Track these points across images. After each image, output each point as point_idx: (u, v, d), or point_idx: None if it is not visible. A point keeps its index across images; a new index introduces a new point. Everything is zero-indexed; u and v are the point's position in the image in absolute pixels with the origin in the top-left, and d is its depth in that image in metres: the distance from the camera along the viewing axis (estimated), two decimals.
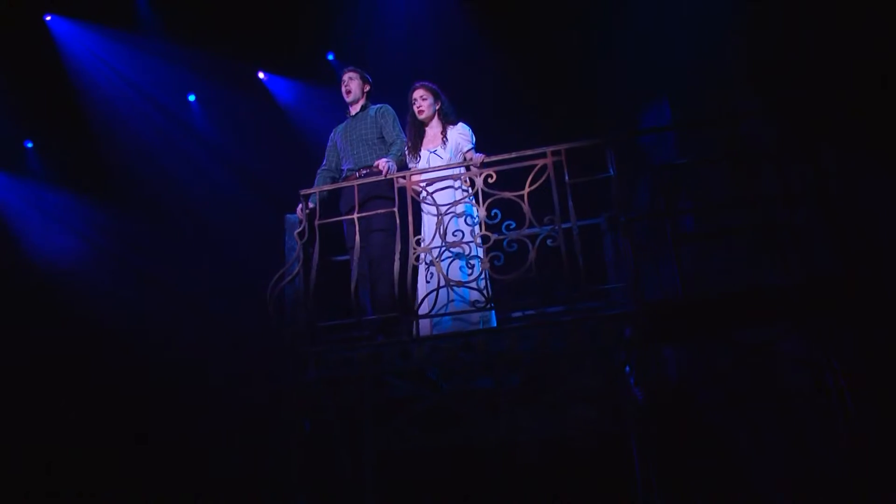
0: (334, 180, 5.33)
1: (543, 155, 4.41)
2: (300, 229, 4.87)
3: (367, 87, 5.45)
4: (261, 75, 9.52)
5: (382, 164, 4.80)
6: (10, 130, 8.70)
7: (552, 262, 4.53)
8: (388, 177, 4.71)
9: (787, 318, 4.06)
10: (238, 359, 6.64)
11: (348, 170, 5.24)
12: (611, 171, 4.28)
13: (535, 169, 4.40)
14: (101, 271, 8.20)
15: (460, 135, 5.08)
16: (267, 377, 5.80)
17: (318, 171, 5.41)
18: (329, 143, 5.45)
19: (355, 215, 4.66)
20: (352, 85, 5.38)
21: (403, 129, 5.26)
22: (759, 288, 4.13)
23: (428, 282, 4.49)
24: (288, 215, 5.08)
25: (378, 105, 5.39)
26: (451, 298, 4.39)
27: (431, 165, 4.96)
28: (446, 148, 5.03)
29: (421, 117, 5.14)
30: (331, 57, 9.43)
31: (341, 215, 5.04)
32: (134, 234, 8.37)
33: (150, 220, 8.38)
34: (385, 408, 4.59)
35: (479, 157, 4.65)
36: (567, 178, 4.32)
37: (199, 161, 8.66)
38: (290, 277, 4.79)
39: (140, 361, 7.32)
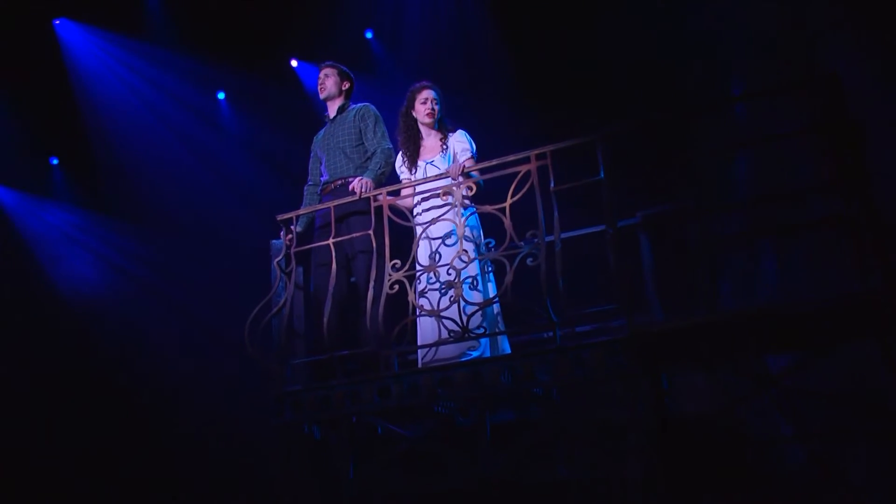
0: None
1: (527, 160, 4.85)
2: (280, 257, 5.59)
3: (347, 85, 5.96)
4: (293, 63, 10.43)
5: (356, 184, 5.35)
6: (33, 146, 10.16)
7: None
8: (364, 196, 5.31)
9: (817, 343, 4.29)
10: (242, 398, 7.57)
11: (325, 182, 5.80)
12: (601, 173, 4.66)
13: (519, 176, 4.85)
14: (123, 298, 9.46)
15: (459, 143, 5.55)
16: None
17: (305, 188, 6.01)
18: (311, 155, 6.03)
19: (330, 240, 5.27)
20: (327, 82, 5.91)
21: (391, 134, 5.78)
22: (782, 307, 4.36)
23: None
24: (273, 241, 5.79)
25: (358, 105, 5.89)
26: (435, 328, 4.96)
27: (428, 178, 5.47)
28: (445, 158, 5.52)
29: (430, 121, 5.61)
30: (369, 35, 10.18)
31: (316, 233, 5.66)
32: (160, 258, 9.58)
33: (175, 240, 9.55)
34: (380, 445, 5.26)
35: (456, 167, 5.15)
36: (553, 184, 4.76)
37: (226, 172, 9.70)
38: (275, 309, 5.52)
39: (159, 394, 8.54)
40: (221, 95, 10.55)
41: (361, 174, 5.59)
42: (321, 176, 5.89)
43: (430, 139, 5.68)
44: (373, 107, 5.87)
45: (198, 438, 8.24)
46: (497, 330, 5.04)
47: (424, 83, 5.71)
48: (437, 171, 5.45)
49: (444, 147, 5.58)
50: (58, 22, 9.79)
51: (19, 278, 9.56)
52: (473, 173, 5.25)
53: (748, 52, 6.75)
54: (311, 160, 6.05)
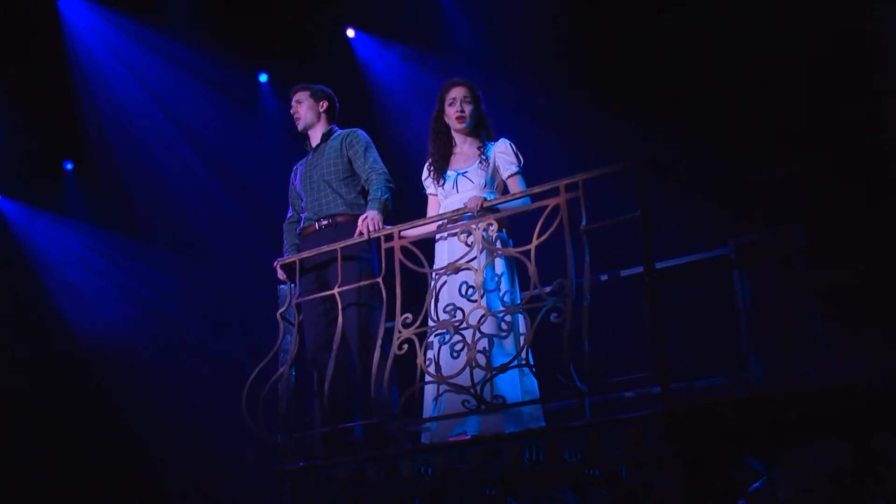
0: None
1: (555, 192, 5.47)
2: (285, 308, 6.42)
3: (325, 105, 6.74)
4: (350, 33, 11.32)
5: (361, 225, 6.05)
6: (42, 150, 11.49)
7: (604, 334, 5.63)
8: (374, 236, 6.04)
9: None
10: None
11: (306, 219, 6.57)
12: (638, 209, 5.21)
13: (546, 212, 5.46)
14: (146, 340, 10.71)
15: (502, 154, 6.19)
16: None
17: (284, 224, 6.84)
18: (290, 187, 6.84)
19: (336, 290, 6.03)
20: (300, 109, 6.68)
21: (424, 142, 6.50)
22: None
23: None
24: (281, 286, 6.60)
25: (344, 131, 6.64)
26: (438, 394, 5.69)
27: (459, 191, 6.18)
28: (483, 170, 6.17)
29: (461, 125, 6.26)
30: None
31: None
32: (189, 292, 10.81)
33: (207, 269, 10.74)
34: None
35: (475, 200, 5.82)
36: (584, 222, 5.35)
37: (266, 185, 10.69)
38: (282, 370, 6.34)
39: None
40: (263, 78, 11.60)
41: (351, 211, 6.40)
42: (302, 213, 6.66)
43: (465, 146, 6.34)
44: (362, 132, 6.63)
45: None
46: (524, 392, 5.70)
47: (455, 80, 6.36)
48: (471, 184, 6.15)
49: (483, 157, 6.22)
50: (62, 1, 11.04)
51: (24, 311, 10.90)
52: (525, 198, 5.87)
53: None
54: (290, 192, 6.87)
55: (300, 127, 6.77)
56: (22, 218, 11.58)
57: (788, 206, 6.64)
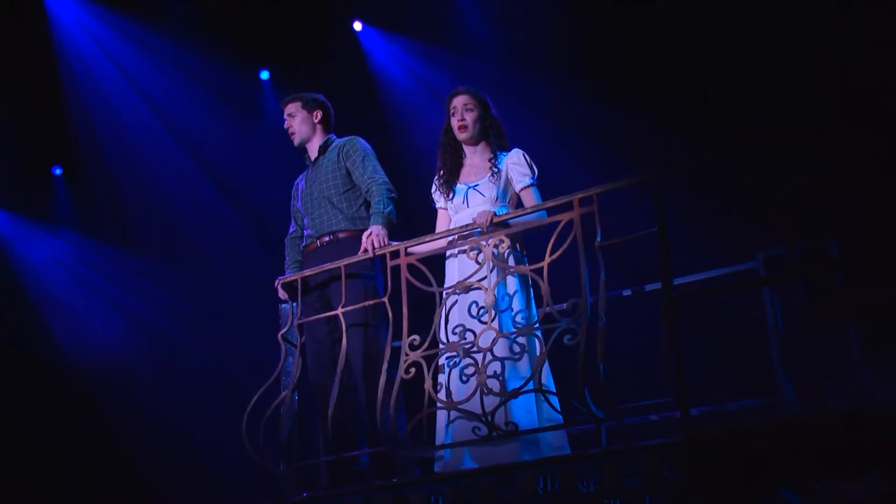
0: None
1: (569, 206, 5.67)
2: (287, 328, 6.62)
3: (319, 115, 6.93)
4: (357, 26, 11.52)
5: (366, 242, 6.23)
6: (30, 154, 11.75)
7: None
8: (379, 253, 6.21)
9: None
10: None
11: (308, 236, 6.79)
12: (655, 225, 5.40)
13: (559, 227, 5.66)
14: (145, 361, 10.95)
15: (514, 165, 6.37)
16: None
17: (286, 239, 7.06)
18: (291, 202, 7.06)
19: (339, 310, 6.25)
20: (293, 123, 6.90)
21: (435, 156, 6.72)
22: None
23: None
24: (283, 305, 6.81)
25: (342, 140, 6.84)
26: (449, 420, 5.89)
27: (470, 206, 6.37)
28: (495, 183, 6.37)
29: (463, 135, 6.48)
30: None
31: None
32: (188, 309, 11.06)
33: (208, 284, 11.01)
34: None
35: (484, 215, 6.00)
36: (599, 237, 5.55)
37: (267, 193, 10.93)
38: (284, 394, 6.55)
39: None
40: (265, 76, 11.82)
41: (353, 226, 6.62)
42: (305, 229, 6.88)
43: (475, 157, 6.55)
44: (360, 140, 6.83)
45: None
46: (543, 420, 5.89)
47: (458, 88, 6.60)
48: (483, 198, 6.35)
49: (494, 169, 6.42)
50: None
51: (9, 326, 11.17)
52: (539, 212, 6.06)
53: None
54: (291, 209, 7.10)
55: (296, 142, 6.98)
56: (7, 227, 11.81)
57: (821, 214, 6.74)
